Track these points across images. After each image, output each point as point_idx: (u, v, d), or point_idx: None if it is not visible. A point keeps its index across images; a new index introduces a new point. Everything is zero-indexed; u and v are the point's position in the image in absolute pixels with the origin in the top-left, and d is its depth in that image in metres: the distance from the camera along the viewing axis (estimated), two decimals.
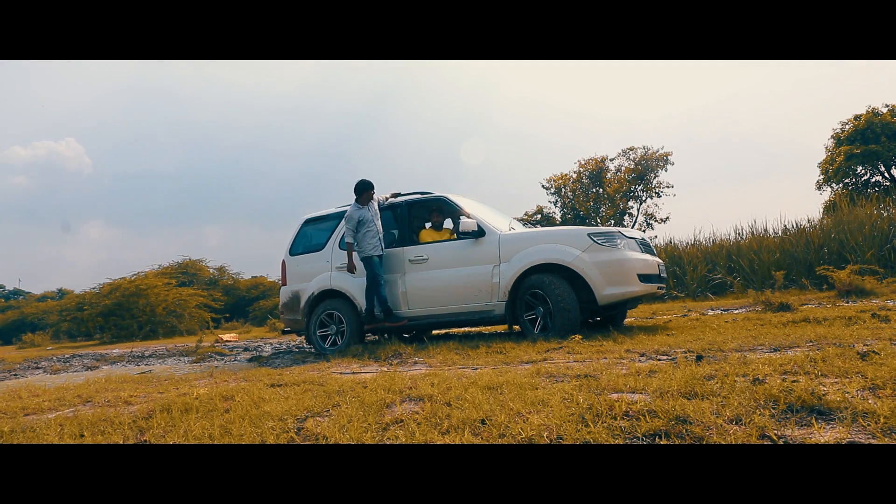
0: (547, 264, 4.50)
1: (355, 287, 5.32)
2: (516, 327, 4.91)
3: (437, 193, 5.46)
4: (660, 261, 4.93)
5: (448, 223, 5.55)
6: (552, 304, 4.35)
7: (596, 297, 4.35)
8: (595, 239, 4.45)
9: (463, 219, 4.84)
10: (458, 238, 5.03)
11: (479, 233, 4.86)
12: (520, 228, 5.51)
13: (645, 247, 4.78)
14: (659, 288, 4.75)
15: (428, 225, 5.78)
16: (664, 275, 4.96)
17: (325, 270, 5.57)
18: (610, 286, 4.33)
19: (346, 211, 5.48)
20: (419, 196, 5.54)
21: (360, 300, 5.26)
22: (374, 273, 5.08)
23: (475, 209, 5.25)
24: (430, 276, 5.04)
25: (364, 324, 5.22)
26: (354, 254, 5.23)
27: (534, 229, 6.12)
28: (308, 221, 6.01)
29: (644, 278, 4.45)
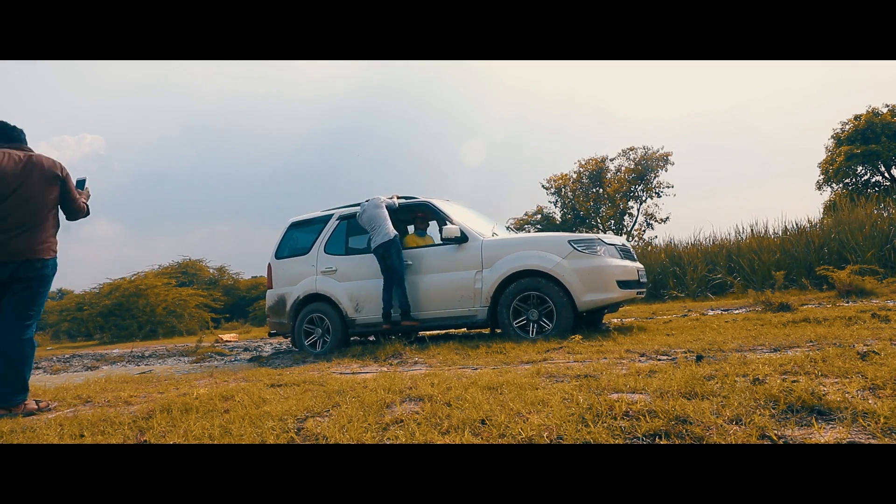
0: (528, 270, 4.52)
1: (340, 291, 5.32)
2: (498, 330, 4.90)
3: (422, 198, 5.44)
4: (640, 266, 4.98)
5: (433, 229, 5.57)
6: (554, 304, 4.37)
7: (576, 302, 4.37)
8: (575, 246, 4.49)
9: (447, 224, 4.85)
10: (442, 243, 5.03)
11: (462, 238, 4.87)
12: (503, 234, 5.47)
13: (625, 253, 4.84)
14: (638, 293, 4.83)
15: (410, 229, 5.76)
16: (644, 280, 5.02)
17: (311, 274, 5.53)
18: (590, 292, 4.36)
19: (332, 215, 5.61)
20: (403, 200, 5.49)
21: (345, 304, 5.27)
22: (392, 266, 4.98)
23: (459, 214, 5.25)
24: (415, 281, 5.04)
25: (381, 325, 5.14)
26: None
27: (516, 235, 6.11)
28: (294, 225, 5.94)
29: (623, 284, 4.50)
